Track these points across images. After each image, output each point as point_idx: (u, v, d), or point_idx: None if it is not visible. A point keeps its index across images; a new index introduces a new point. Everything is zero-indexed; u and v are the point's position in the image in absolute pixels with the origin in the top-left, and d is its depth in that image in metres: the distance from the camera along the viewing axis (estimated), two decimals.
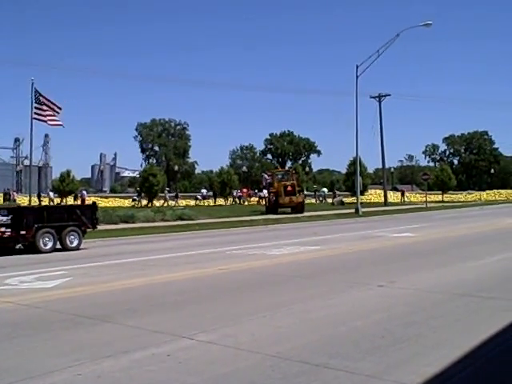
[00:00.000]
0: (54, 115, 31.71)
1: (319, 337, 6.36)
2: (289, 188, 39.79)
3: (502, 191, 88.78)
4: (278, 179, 42.46)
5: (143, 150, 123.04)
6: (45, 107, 31.24)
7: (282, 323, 7.03)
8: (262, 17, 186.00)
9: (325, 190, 70.71)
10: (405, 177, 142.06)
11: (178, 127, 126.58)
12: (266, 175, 44.53)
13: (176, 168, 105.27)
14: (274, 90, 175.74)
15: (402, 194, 71.52)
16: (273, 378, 4.98)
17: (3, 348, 6.09)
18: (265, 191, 65.72)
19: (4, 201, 54.02)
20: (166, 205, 57.67)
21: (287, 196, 39.31)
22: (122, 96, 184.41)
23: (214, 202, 61.14)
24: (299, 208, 39.06)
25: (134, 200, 59.17)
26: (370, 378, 5.00)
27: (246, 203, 60.92)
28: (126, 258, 14.30)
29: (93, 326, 7.04)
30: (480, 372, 5.29)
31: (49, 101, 31.66)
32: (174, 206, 50.85)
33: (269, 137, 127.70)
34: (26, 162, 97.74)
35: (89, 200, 58.31)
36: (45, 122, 31.67)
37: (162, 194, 60.80)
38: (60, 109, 32.14)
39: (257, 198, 64.08)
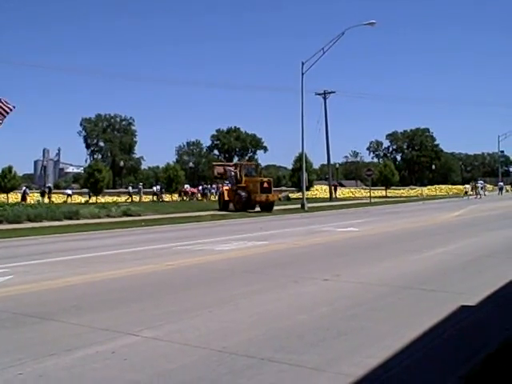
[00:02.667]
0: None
1: (265, 331, 6.41)
2: (265, 185, 37.31)
3: (443, 186, 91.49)
4: (246, 173, 39.60)
5: (88, 146, 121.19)
6: None
7: (228, 318, 7.06)
8: (208, 12, 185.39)
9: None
10: (350, 173, 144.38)
11: (124, 122, 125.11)
12: (230, 168, 40.68)
13: (121, 164, 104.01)
14: (221, 86, 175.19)
15: (335, 189, 68.90)
16: (219, 372, 5.00)
17: None
18: (213, 185, 65.79)
19: None
20: (129, 200, 57.19)
21: (264, 193, 36.73)
22: (66, 91, 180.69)
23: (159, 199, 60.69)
24: (270, 206, 37.05)
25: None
26: (314, 370, 5.08)
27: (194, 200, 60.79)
28: (70, 255, 14.05)
29: (35, 324, 6.90)
30: (420, 362, 5.43)
31: None
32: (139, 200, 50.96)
33: (216, 133, 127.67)
34: None
35: (32, 197, 57.14)
36: None
37: (126, 190, 60.71)
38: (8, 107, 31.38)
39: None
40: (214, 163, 52.23)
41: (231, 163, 47.77)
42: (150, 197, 62.87)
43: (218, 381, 4.81)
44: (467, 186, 67.41)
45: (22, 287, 9.45)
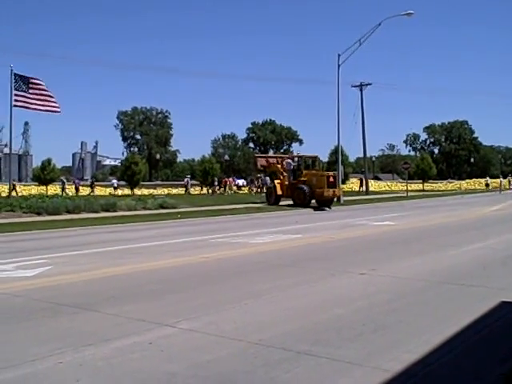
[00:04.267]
0: (45, 101, 31.46)
1: (301, 324, 6.39)
2: (331, 179, 34.65)
3: (482, 180, 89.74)
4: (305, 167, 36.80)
5: (124, 139, 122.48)
6: (32, 93, 30.90)
7: (264, 311, 7.06)
8: (244, 6, 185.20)
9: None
10: (386, 166, 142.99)
11: (160, 115, 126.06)
12: (289, 160, 37.79)
13: (158, 156, 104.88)
14: (256, 79, 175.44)
15: (361, 184, 66.33)
16: (255, 365, 5.00)
17: None
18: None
19: None
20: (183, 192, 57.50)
21: (330, 188, 34.06)
22: (103, 84, 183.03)
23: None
24: (330, 201, 34.59)
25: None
26: (351, 364, 5.04)
27: (230, 192, 60.93)
28: (108, 247, 14.22)
29: (74, 314, 7.01)
30: (459, 359, 5.35)
31: (39, 86, 31.36)
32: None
33: (251, 125, 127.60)
34: (6, 150, 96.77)
35: (70, 189, 58.10)
36: (29, 108, 31.38)
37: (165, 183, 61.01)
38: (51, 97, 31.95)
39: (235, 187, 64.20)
40: (257, 155, 50.53)
41: (277, 155, 45.28)
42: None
43: (255, 373, 4.81)
44: (502, 179, 66.16)
45: (61, 278, 9.60)
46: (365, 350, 5.46)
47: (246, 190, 66.05)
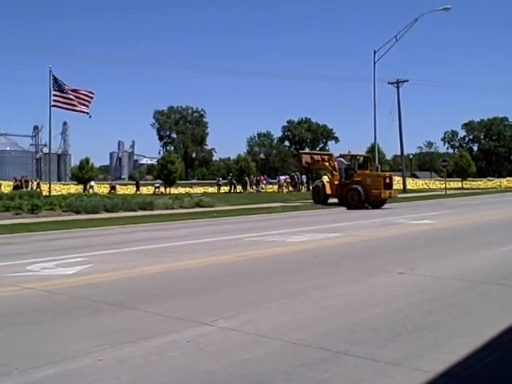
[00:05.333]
0: (81, 103, 31.96)
1: (339, 324, 6.34)
2: (387, 180, 33.60)
3: None
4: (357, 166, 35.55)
5: (161, 138, 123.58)
6: (69, 95, 31.43)
7: (302, 310, 7.02)
8: (278, 4, 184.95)
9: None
10: (424, 163, 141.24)
11: (196, 114, 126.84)
12: (341, 159, 36.25)
13: (194, 155, 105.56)
14: (292, 77, 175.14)
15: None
16: (293, 364, 4.97)
17: (26, 333, 6.15)
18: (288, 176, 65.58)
19: (18, 188, 54.45)
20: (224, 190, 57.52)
21: (387, 189, 33.01)
22: (139, 83, 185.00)
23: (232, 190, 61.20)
24: (383, 203, 33.57)
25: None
26: (391, 365, 4.98)
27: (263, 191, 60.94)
28: (145, 245, 14.37)
29: (113, 312, 7.09)
30: (501, 361, 5.24)
31: (76, 91, 31.89)
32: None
33: (286, 124, 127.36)
34: (46, 150, 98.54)
35: (99, 187, 59.09)
36: (65, 109, 31.92)
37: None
38: (91, 97, 32.40)
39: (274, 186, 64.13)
40: (301, 151, 49.00)
41: (321, 152, 43.28)
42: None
43: (293, 372, 4.79)
44: None
45: (101, 275, 9.73)
46: (404, 350, 5.38)
47: (274, 188, 65.58)
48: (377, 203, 32.83)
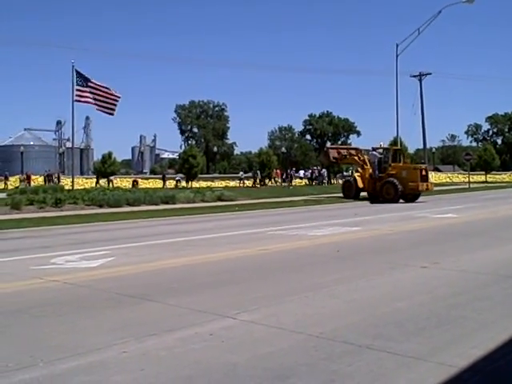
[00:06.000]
0: (105, 100, 32.16)
1: (362, 318, 6.31)
2: (423, 172, 33.03)
3: None
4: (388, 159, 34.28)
5: (182, 132, 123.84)
6: (92, 90, 31.64)
7: (324, 304, 7.00)
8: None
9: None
10: (446, 157, 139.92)
11: (217, 108, 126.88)
12: (375, 152, 35.09)
13: (215, 149, 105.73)
14: (313, 71, 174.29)
15: None
16: (316, 358, 4.96)
17: (50, 325, 6.21)
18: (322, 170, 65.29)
19: (46, 182, 55.13)
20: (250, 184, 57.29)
21: (423, 182, 32.46)
22: (161, 78, 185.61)
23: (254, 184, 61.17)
24: (417, 196, 33.03)
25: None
26: (415, 359, 4.93)
27: (285, 184, 60.80)
28: (167, 239, 14.43)
29: (136, 304, 7.13)
30: None
31: (101, 86, 32.06)
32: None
33: (308, 117, 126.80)
34: (68, 144, 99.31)
35: (122, 181, 59.43)
36: (88, 103, 32.15)
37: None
38: (115, 99, 32.59)
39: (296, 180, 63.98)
40: (328, 146, 48.48)
41: (347, 146, 41.91)
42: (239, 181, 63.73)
43: (316, 366, 4.77)
44: None
45: (123, 268, 9.79)
46: (428, 344, 5.34)
47: (276, 182, 64.91)
48: (411, 197, 32.25)
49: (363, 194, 34.61)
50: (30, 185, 51.96)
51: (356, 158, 36.50)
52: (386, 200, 31.64)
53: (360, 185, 34.42)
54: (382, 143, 36.27)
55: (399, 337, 5.56)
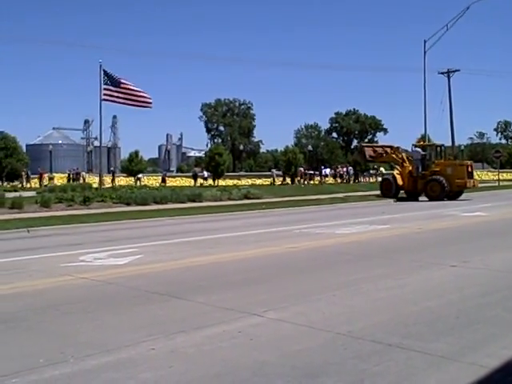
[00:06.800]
0: (134, 95, 32.41)
1: (391, 316, 6.26)
2: (469, 169, 32.50)
3: None
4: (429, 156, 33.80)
5: (208, 130, 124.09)
6: (120, 89, 31.88)
7: (353, 302, 6.96)
8: None
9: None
10: (475, 154, 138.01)
11: (243, 107, 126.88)
12: (417, 149, 34.29)
13: (241, 147, 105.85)
14: (340, 68, 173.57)
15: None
16: (345, 356, 4.93)
17: (80, 322, 6.27)
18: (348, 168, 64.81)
19: (73, 181, 55.61)
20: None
21: (470, 178, 32.00)
22: (187, 76, 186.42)
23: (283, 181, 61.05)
24: (460, 193, 32.48)
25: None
26: (445, 359, 4.87)
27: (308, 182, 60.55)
28: (194, 236, 14.49)
29: (165, 302, 7.17)
30: None
31: (131, 86, 32.32)
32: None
33: (334, 115, 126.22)
34: (96, 143, 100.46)
35: (149, 180, 59.79)
36: (115, 102, 32.41)
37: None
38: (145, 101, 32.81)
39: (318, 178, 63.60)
40: (364, 144, 47.39)
41: (382, 144, 40.98)
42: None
43: (345, 365, 4.74)
44: None
45: (151, 266, 9.86)
46: (458, 344, 5.27)
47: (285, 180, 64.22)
48: (453, 194, 31.64)
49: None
50: (41, 183, 51.63)
51: (394, 155, 35.73)
52: (431, 198, 31.06)
53: (400, 183, 33.56)
54: (422, 140, 35.38)
55: (429, 336, 5.50)
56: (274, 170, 67.69)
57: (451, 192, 31.55)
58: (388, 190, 34.02)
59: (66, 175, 60.53)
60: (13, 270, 9.72)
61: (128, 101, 32.39)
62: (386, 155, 36.30)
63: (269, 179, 63.61)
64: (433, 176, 31.98)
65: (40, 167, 49.87)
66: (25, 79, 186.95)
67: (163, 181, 57.90)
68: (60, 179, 59.30)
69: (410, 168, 33.56)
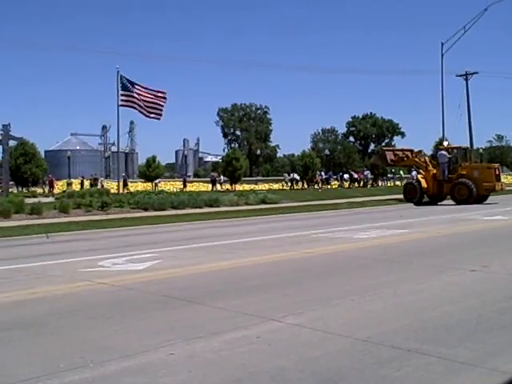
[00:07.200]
0: (149, 106, 32.58)
1: (410, 322, 6.22)
2: (497, 171, 32.11)
3: None
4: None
5: (225, 135, 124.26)
6: (136, 95, 32.08)
7: (371, 307, 6.93)
8: (341, 1, 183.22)
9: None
10: (494, 158, 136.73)
11: (259, 111, 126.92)
12: (444, 152, 33.27)
13: (258, 152, 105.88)
14: (356, 72, 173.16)
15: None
16: (364, 362, 4.90)
17: (99, 327, 6.31)
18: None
19: (91, 186, 55.97)
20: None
21: (498, 181, 31.47)
22: (204, 81, 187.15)
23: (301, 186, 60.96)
24: (486, 197, 31.77)
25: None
26: (466, 365, 4.83)
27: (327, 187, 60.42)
28: (212, 242, 14.50)
29: (183, 307, 7.19)
30: None
31: (147, 89, 32.49)
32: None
33: (351, 119, 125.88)
34: (114, 149, 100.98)
35: (166, 185, 60.04)
36: (133, 108, 32.62)
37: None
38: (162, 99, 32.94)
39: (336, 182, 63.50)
40: (385, 148, 46.79)
41: (402, 148, 40.24)
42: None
43: (364, 370, 4.72)
44: None
45: (170, 271, 9.89)
46: (479, 350, 5.22)
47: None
48: (479, 198, 30.99)
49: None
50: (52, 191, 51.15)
51: (417, 159, 35.24)
52: (458, 201, 30.61)
53: (425, 187, 32.88)
54: (447, 143, 34.83)
55: (449, 341, 5.45)
56: (285, 175, 67.70)
57: (478, 195, 31.01)
58: (412, 194, 33.31)
59: (79, 181, 60.79)
60: (33, 275, 9.80)
61: (142, 109, 32.59)
62: (407, 159, 35.85)
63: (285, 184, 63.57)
64: (460, 179, 31.49)
65: (50, 174, 49.79)
66: (43, 85, 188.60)
67: (184, 185, 58.49)
68: (77, 185, 59.75)
69: (435, 171, 33.07)
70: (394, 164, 38.85)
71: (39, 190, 50.24)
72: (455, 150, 34.37)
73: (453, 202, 31.01)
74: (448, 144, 34.64)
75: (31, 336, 6.03)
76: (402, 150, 37.55)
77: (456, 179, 31.67)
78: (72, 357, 5.19)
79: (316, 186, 58.63)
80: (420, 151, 36.93)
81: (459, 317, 6.40)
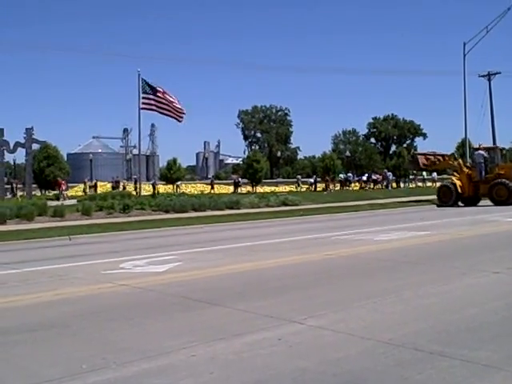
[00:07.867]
0: (171, 107, 32.74)
1: (432, 324, 6.16)
2: None
3: None
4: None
5: (246, 137, 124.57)
6: (158, 98, 32.25)
7: (393, 309, 6.88)
8: (362, 3, 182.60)
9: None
10: None
11: (280, 113, 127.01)
12: (481, 152, 32.57)
13: (278, 154, 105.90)
14: (377, 73, 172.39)
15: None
16: (386, 364, 4.87)
17: (121, 328, 6.35)
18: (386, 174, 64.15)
19: (113, 189, 56.38)
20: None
21: None
22: (224, 84, 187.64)
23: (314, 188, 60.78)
24: None
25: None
26: (489, 367, 4.77)
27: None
28: (233, 244, 14.53)
29: (204, 309, 7.20)
30: None
31: (169, 95, 32.66)
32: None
33: (372, 120, 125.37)
34: (135, 151, 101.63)
35: (186, 187, 60.26)
36: (153, 111, 32.81)
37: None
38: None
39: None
40: (416, 152, 46.26)
41: (432, 152, 39.40)
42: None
43: (386, 373, 4.69)
44: None
45: (190, 273, 9.92)
46: (503, 352, 5.16)
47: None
48: (504, 199, 30.03)
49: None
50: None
51: (451, 162, 34.76)
52: (497, 202, 29.97)
53: (459, 189, 32.03)
54: (480, 144, 34.31)
55: (472, 344, 5.40)
56: (299, 177, 67.68)
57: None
58: (447, 197, 32.21)
59: (93, 183, 61.32)
60: (56, 277, 9.91)
61: (164, 110, 32.77)
62: (439, 163, 35.37)
63: (305, 186, 63.43)
64: (498, 180, 30.77)
65: (59, 177, 49.93)
66: (66, 89, 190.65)
67: (212, 187, 59.15)
68: (101, 187, 60.38)
69: (470, 172, 32.45)
70: (426, 168, 38.37)
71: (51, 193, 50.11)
72: (491, 150, 33.63)
73: (490, 203, 30.45)
74: (479, 144, 33.98)
75: (55, 337, 6.10)
76: (434, 155, 36.85)
77: (494, 179, 30.96)
78: (94, 358, 5.23)
79: (330, 188, 57.97)
80: (452, 154, 36.24)
81: (482, 319, 6.33)
